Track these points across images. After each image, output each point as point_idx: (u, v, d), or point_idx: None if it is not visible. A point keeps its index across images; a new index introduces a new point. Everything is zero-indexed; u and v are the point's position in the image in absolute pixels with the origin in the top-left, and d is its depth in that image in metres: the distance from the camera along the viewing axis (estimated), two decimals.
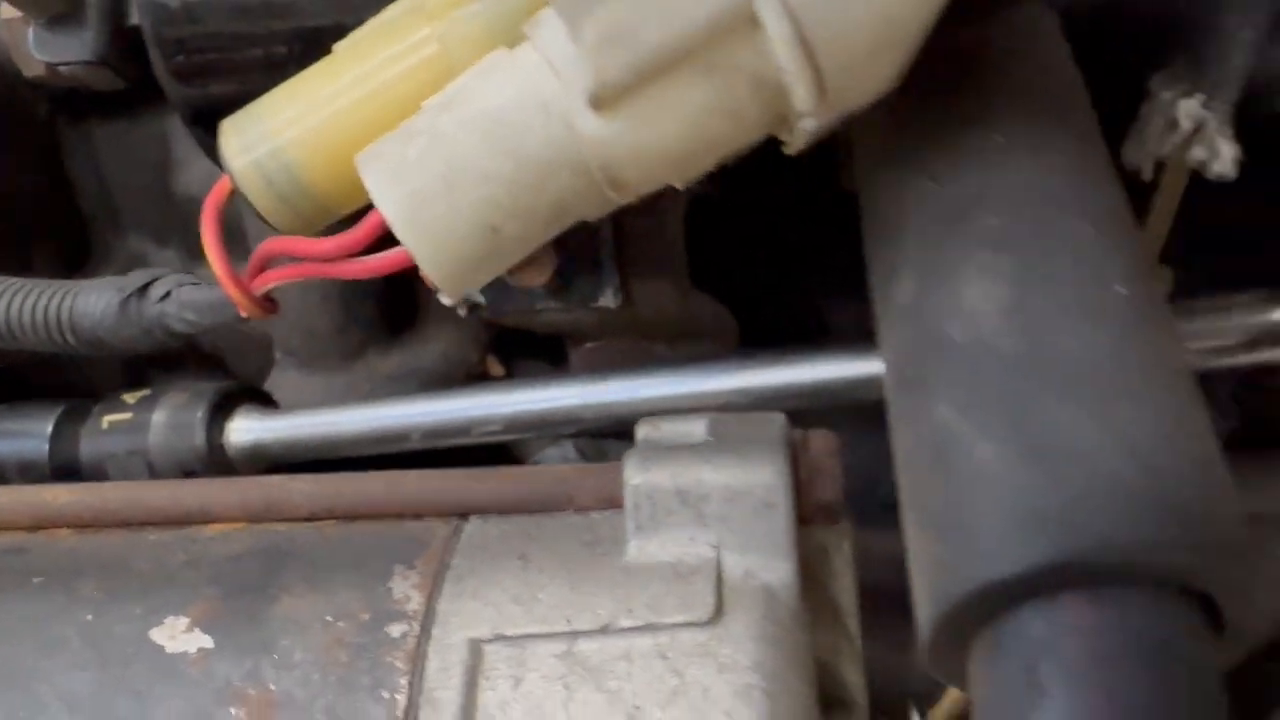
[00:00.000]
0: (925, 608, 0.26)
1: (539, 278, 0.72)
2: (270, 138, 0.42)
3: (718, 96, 0.27)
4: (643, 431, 0.47)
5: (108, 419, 0.67)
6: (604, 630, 0.40)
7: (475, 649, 0.40)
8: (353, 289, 0.77)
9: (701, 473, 0.42)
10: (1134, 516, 0.23)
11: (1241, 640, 0.25)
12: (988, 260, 0.28)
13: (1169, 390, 0.25)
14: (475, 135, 0.32)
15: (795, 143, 0.33)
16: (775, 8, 0.25)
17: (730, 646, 0.40)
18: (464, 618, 0.41)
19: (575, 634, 0.40)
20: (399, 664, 0.40)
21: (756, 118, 0.28)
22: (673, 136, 0.27)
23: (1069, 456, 0.24)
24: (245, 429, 0.65)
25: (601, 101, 0.27)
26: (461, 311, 0.74)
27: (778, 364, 0.57)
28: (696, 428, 0.46)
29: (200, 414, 0.65)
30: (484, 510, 0.46)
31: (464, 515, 0.47)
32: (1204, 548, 0.23)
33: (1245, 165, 0.51)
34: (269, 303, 0.45)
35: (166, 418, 0.65)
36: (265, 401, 0.72)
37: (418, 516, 0.47)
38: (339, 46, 0.44)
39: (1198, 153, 0.37)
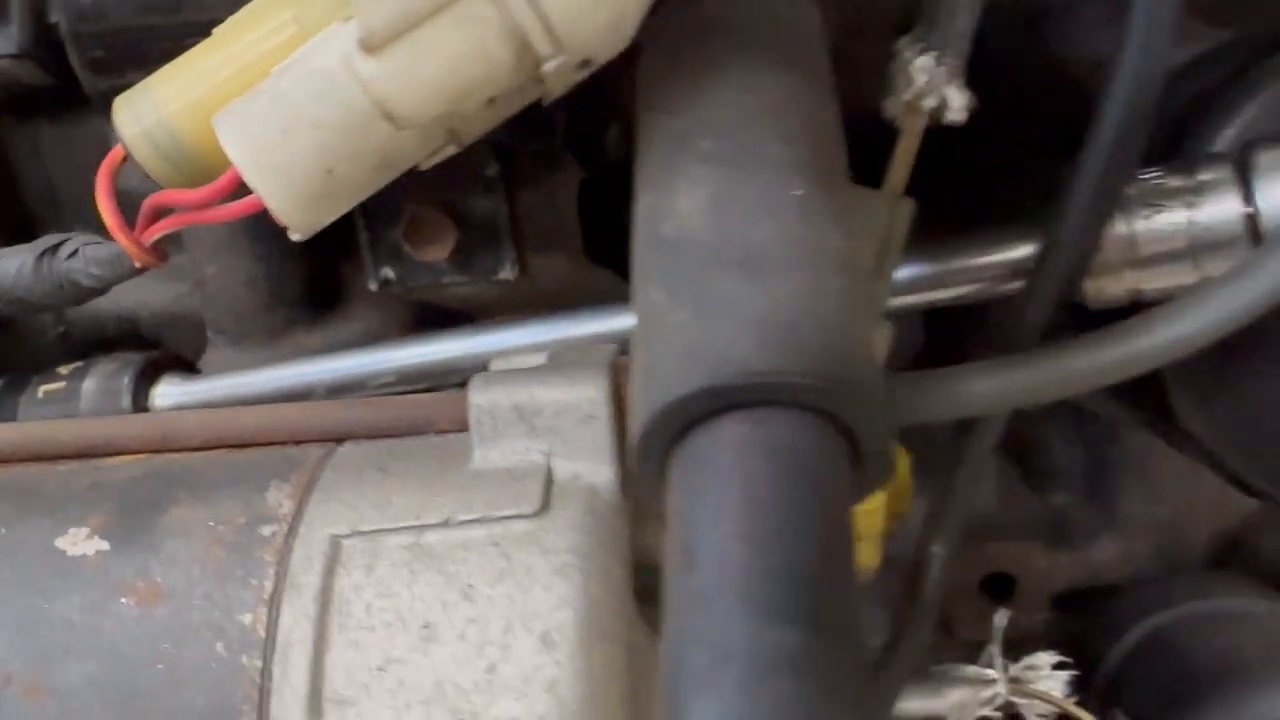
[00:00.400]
0: (631, 441, 0.32)
1: (440, 253, 0.79)
2: (157, 109, 0.49)
3: (469, 42, 0.33)
4: (495, 363, 0.54)
5: (43, 389, 0.73)
6: (446, 524, 0.47)
7: (335, 543, 0.46)
8: (277, 271, 0.83)
9: (534, 391, 0.49)
10: (771, 351, 0.29)
11: (877, 475, 0.32)
12: (696, 173, 0.34)
13: (819, 269, 0.31)
14: (304, 89, 0.39)
15: (552, 89, 0.40)
16: None
17: (553, 534, 0.46)
18: (327, 519, 0.47)
19: (422, 528, 0.47)
20: (268, 557, 0.46)
21: (509, 60, 0.34)
22: (433, 77, 0.34)
23: (729, 312, 0.30)
24: (167, 394, 0.72)
25: (369, 48, 0.33)
26: (372, 285, 0.80)
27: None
28: (539, 358, 0.52)
29: (127, 380, 0.71)
30: (356, 436, 0.53)
31: (340, 440, 0.53)
32: (830, 379, 0.29)
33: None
34: (159, 252, 0.51)
35: (96, 385, 0.71)
36: (192, 371, 0.78)
37: (299, 443, 0.53)
38: (217, 30, 0.51)
39: (930, 102, 0.44)
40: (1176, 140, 0.54)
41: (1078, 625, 0.87)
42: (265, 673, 0.44)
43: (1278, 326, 0.56)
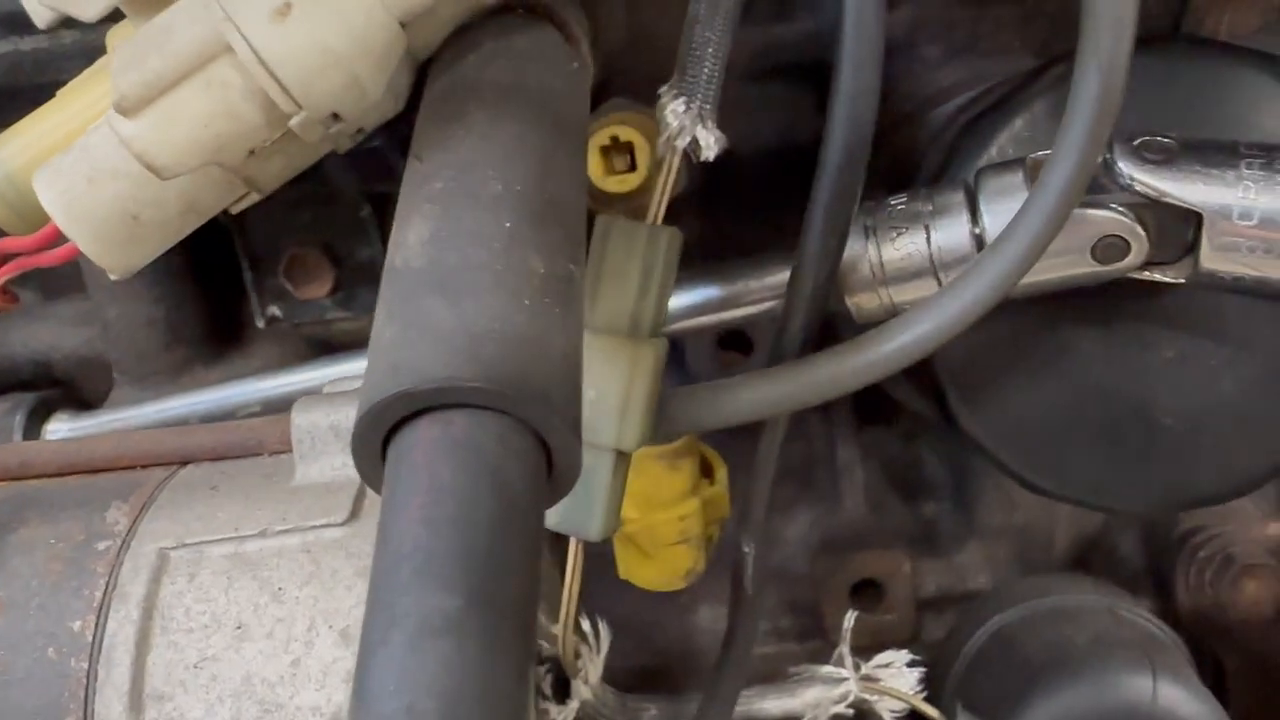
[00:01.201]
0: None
1: (320, 291, 0.84)
2: (3, 163, 0.54)
3: (217, 103, 0.38)
4: (327, 387, 0.58)
5: None
6: (263, 534, 0.51)
7: (162, 555, 0.51)
8: (175, 312, 0.88)
9: (349, 411, 0.53)
10: (455, 361, 0.33)
11: (566, 484, 0.36)
12: (425, 210, 0.39)
13: (514, 290, 0.36)
14: (103, 144, 0.44)
15: (331, 142, 0.46)
16: (239, 38, 0.37)
17: (359, 540, 0.51)
18: (156, 533, 0.52)
19: (242, 538, 0.51)
20: (100, 569, 0.51)
21: (257, 116, 0.39)
22: (185, 134, 0.38)
23: (425, 329, 0.35)
24: (58, 430, 0.76)
25: (123, 111, 0.38)
26: (259, 323, 0.85)
27: None
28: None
29: (19, 418, 0.76)
30: (198, 459, 0.57)
31: (184, 463, 0.57)
32: (507, 384, 0.34)
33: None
34: (8, 295, 0.56)
35: None
36: (89, 409, 0.83)
37: (146, 467, 0.57)
38: (61, 91, 0.56)
39: (682, 142, 0.49)
40: (946, 167, 0.60)
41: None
42: (91, 673, 0.48)
43: (1039, 336, 0.61)
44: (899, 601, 0.89)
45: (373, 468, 0.36)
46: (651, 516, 0.63)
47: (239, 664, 0.48)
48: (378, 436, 0.35)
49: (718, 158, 0.51)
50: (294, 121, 0.39)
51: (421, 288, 0.37)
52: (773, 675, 0.78)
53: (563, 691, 0.62)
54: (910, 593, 0.89)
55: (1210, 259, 0.50)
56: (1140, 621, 0.78)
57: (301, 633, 0.49)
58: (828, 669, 0.78)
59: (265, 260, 0.82)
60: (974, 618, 0.83)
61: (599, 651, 0.62)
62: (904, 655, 0.77)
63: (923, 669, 0.77)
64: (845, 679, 0.77)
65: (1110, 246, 0.51)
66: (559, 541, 0.70)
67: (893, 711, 0.78)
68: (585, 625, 0.63)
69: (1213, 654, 0.86)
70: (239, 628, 0.49)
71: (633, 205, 0.73)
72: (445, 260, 0.37)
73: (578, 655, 0.61)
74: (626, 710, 0.67)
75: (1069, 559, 0.92)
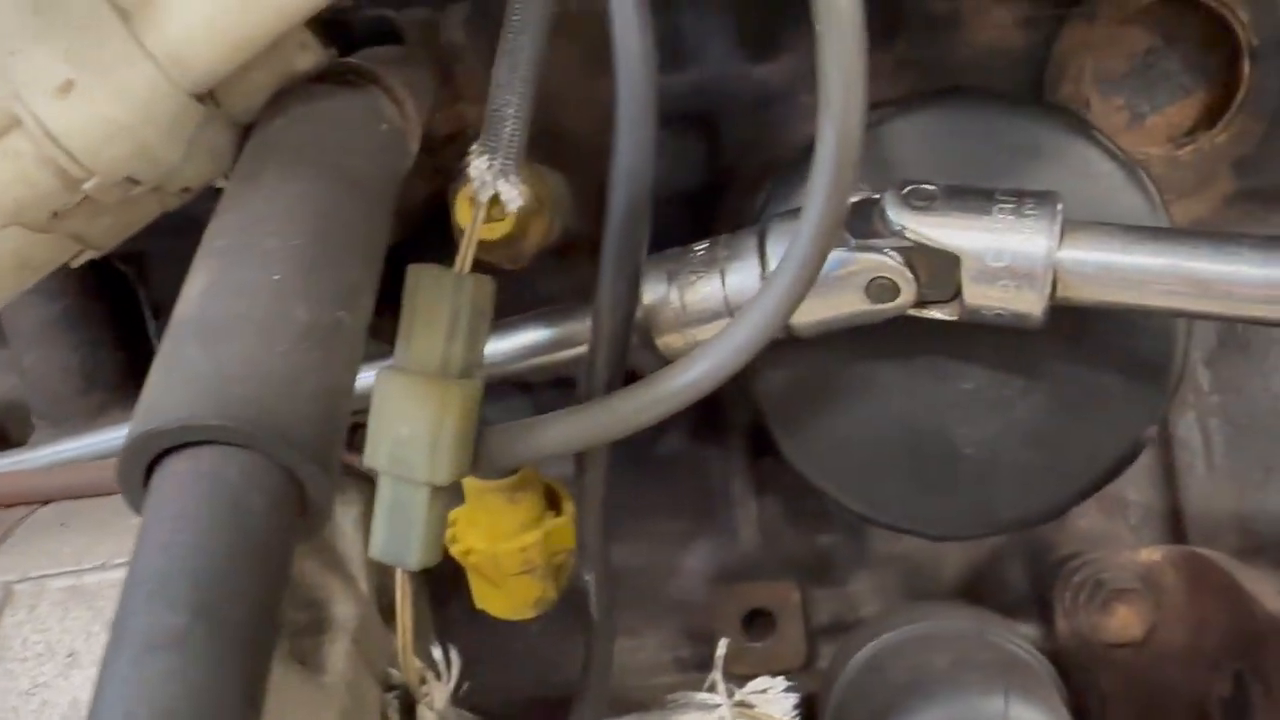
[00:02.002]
0: None
1: None
2: None
3: (12, 170, 0.42)
4: None
5: None
6: (102, 567, 0.54)
7: (7, 588, 0.54)
8: (91, 358, 0.92)
9: None
10: (202, 402, 0.37)
11: (320, 513, 0.40)
12: (205, 264, 0.42)
13: (271, 338, 0.39)
14: None
15: (166, 204, 0.49)
16: (26, 113, 0.41)
17: None
18: (5, 568, 0.55)
19: (81, 571, 0.54)
20: None
21: (53, 181, 0.43)
22: None
23: (181, 374, 0.38)
24: None
25: None
26: None
27: None
28: None
29: None
30: (57, 498, 0.61)
31: (46, 502, 0.61)
32: (251, 423, 0.37)
33: None
34: None
35: None
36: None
37: (10, 506, 0.61)
38: None
39: (483, 196, 0.52)
40: (761, 213, 0.63)
41: None
42: None
43: (848, 370, 0.65)
44: (790, 630, 0.91)
45: (135, 500, 0.39)
46: (495, 547, 0.66)
47: (67, 689, 0.51)
48: (137, 471, 0.39)
49: None
50: (87, 186, 0.43)
51: (187, 336, 0.40)
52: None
53: (410, 717, 0.64)
54: (801, 621, 0.91)
55: (972, 296, 0.54)
56: (1007, 646, 0.80)
57: None
58: (702, 695, 0.81)
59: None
60: (850, 645, 0.85)
61: (449, 679, 0.65)
62: (779, 682, 0.79)
63: (797, 695, 0.79)
64: (719, 705, 0.79)
65: (881, 287, 0.55)
66: (427, 577, 0.73)
67: None
68: (437, 653, 0.66)
69: (1093, 676, 0.89)
70: (70, 655, 0.52)
71: (512, 251, 0.77)
72: (212, 311, 0.41)
73: (424, 682, 0.64)
74: None
75: (959, 586, 0.94)
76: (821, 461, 0.66)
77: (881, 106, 0.63)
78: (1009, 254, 0.52)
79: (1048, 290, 0.53)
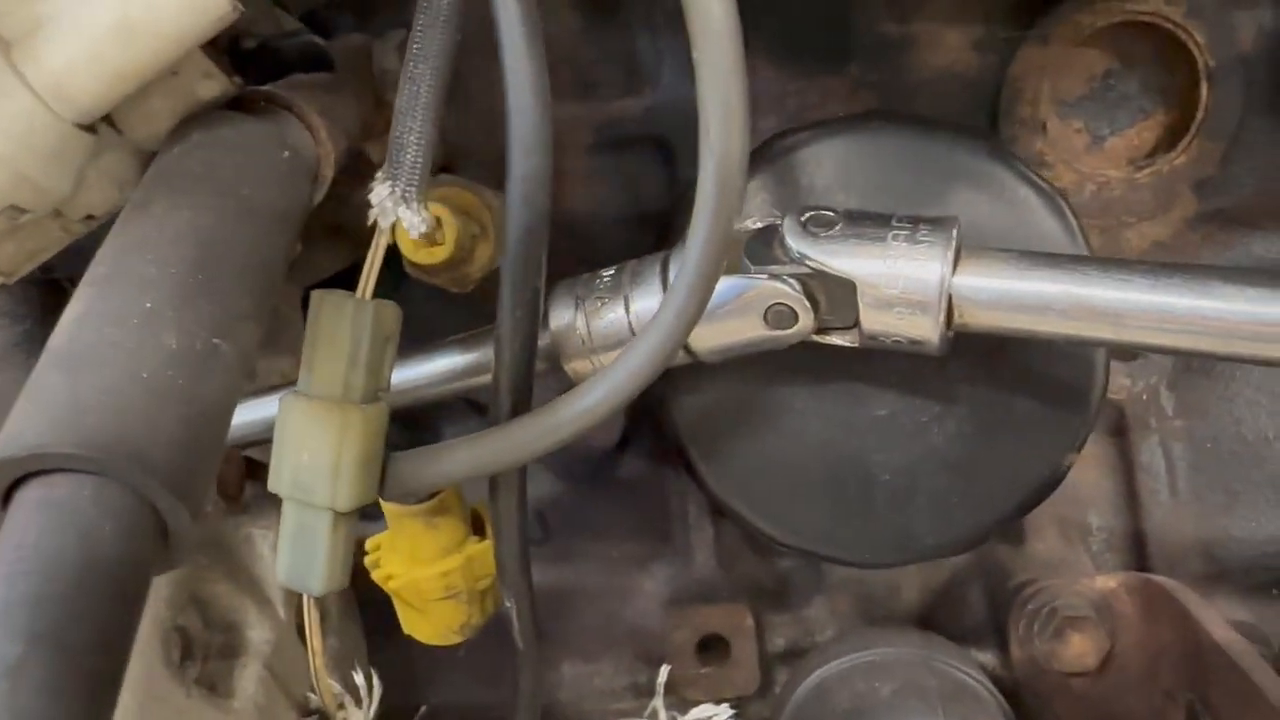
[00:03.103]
0: None
1: None
2: None
3: None
4: None
5: None
6: None
7: None
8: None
9: None
10: (55, 430, 0.37)
11: (182, 540, 0.40)
12: (82, 293, 0.43)
13: (134, 366, 0.40)
14: None
15: (70, 230, 0.50)
16: None
17: None
18: None
19: None
20: None
21: None
22: None
23: (40, 402, 0.39)
24: None
25: None
26: None
27: None
28: None
29: None
30: None
31: None
32: (102, 449, 0.37)
33: None
34: None
35: None
36: None
37: None
38: None
39: (384, 222, 0.53)
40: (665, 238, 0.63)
41: None
42: None
43: (762, 396, 0.65)
44: (743, 655, 0.91)
45: None
46: (415, 573, 0.66)
47: None
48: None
49: (576, 224, 0.54)
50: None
51: (53, 365, 0.41)
52: None
53: None
54: (754, 647, 0.91)
55: (869, 322, 0.54)
56: (954, 673, 0.80)
57: None
58: None
59: None
60: (799, 672, 0.85)
61: (369, 703, 0.65)
62: (724, 709, 0.79)
63: None
64: None
65: (780, 314, 0.55)
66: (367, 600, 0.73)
67: None
68: (359, 679, 0.67)
69: (1049, 705, 0.88)
70: None
71: (457, 275, 0.77)
72: (81, 339, 0.41)
73: (342, 706, 0.64)
74: None
75: (917, 611, 0.94)
76: (738, 487, 0.65)
77: (798, 131, 0.63)
78: (902, 280, 0.52)
79: (943, 317, 0.52)
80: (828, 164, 0.61)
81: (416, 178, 0.53)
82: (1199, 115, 0.86)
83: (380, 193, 0.53)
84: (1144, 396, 0.92)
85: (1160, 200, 0.89)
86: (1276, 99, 0.87)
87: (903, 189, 0.61)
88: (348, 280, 0.62)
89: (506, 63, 0.50)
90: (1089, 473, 0.93)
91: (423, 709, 0.99)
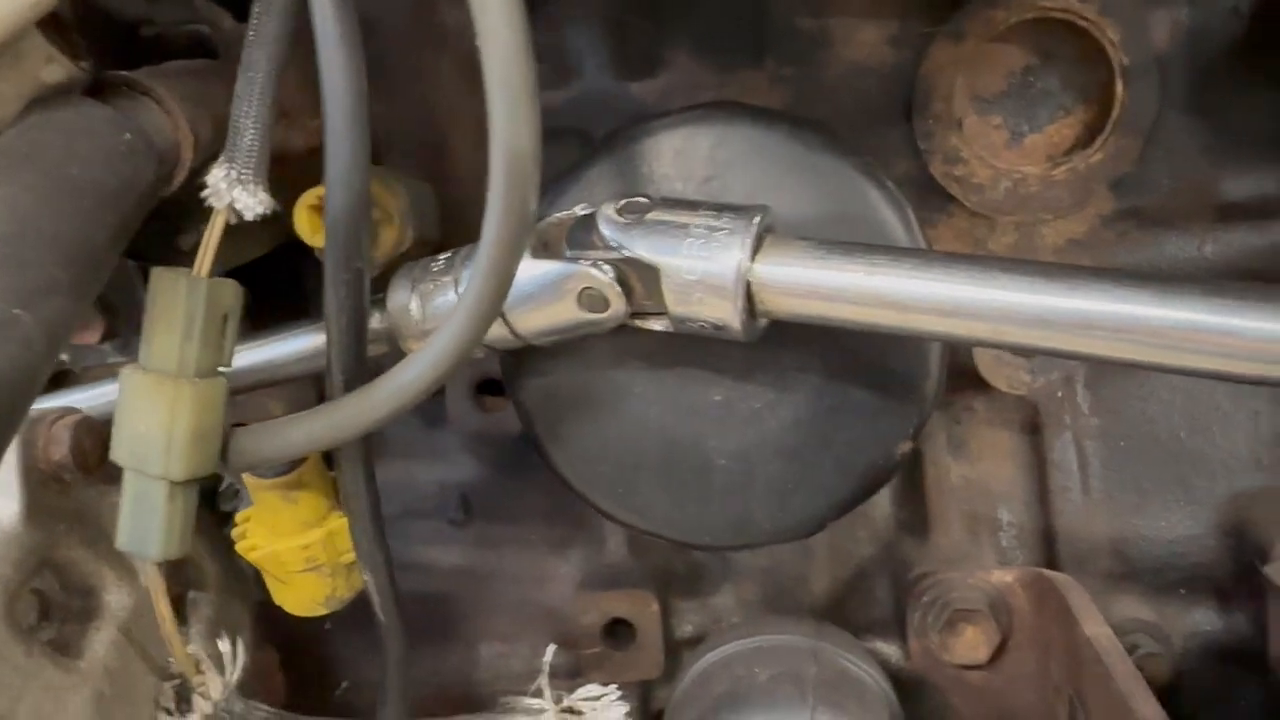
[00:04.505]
0: None
1: (91, 337, 0.91)
2: None
3: None
4: None
5: None
6: None
7: None
8: None
9: None
10: None
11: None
12: None
13: None
14: None
15: None
16: None
17: None
18: None
19: None
20: None
21: None
22: None
23: None
24: None
25: None
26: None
27: None
28: None
29: None
30: None
31: None
32: None
33: None
34: None
35: None
36: None
37: None
38: None
39: (218, 203, 0.54)
40: None
41: None
42: None
43: (603, 381, 0.66)
44: (649, 640, 0.92)
45: None
46: (276, 545, 0.68)
47: None
48: None
49: None
50: None
51: None
52: None
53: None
54: (660, 632, 0.92)
55: (674, 306, 0.55)
56: (838, 662, 0.80)
57: None
58: (529, 700, 0.82)
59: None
60: (693, 657, 0.86)
61: (232, 670, 0.67)
62: (611, 690, 0.80)
63: (626, 707, 0.80)
64: (545, 711, 0.80)
65: (593, 298, 0.56)
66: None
67: None
68: (222, 646, 0.68)
69: (945, 696, 0.88)
70: None
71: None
72: None
73: (201, 672, 0.66)
74: None
75: (825, 602, 0.94)
76: (582, 469, 0.66)
77: (643, 122, 0.64)
78: (701, 267, 0.53)
79: (741, 303, 0.53)
80: (667, 154, 0.62)
81: (253, 161, 0.55)
82: (1115, 113, 0.86)
83: (216, 175, 0.55)
84: (1059, 394, 0.92)
85: (1076, 197, 0.89)
86: (1193, 97, 0.87)
87: (739, 179, 0.61)
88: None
89: (320, 45, 0.52)
90: (1001, 468, 0.93)
91: (344, 684, 1.02)
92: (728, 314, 0.54)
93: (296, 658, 0.95)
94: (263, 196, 0.55)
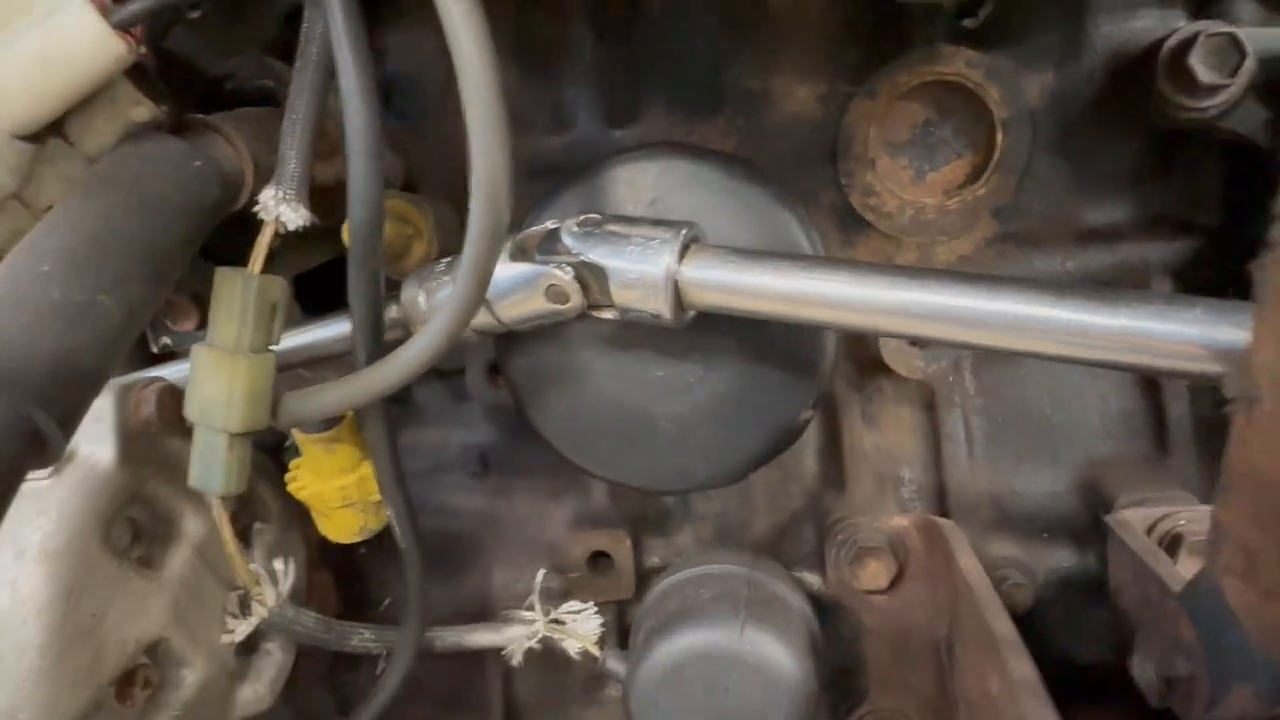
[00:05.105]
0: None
1: (189, 325, 0.91)
2: None
3: None
4: None
5: None
6: None
7: None
8: None
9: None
10: None
11: (55, 443, 0.41)
12: (7, 260, 0.46)
13: (21, 313, 0.42)
14: None
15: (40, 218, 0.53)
16: None
17: (52, 489, 0.57)
18: None
19: None
20: None
21: None
22: None
23: None
24: None
25: None
26: (154, 349, 0.93)
27: None
28: None
29: None
30: None
31: None
32: None
33: None
34: None
35: None
36: None
37: None
38: None
39: (266, 217, 0.55)
40: None
41: None
42: None
43: (575, 358, 0.66)
44: (623, 568, 0.92)
45: None
46: (319, 486, 0.68)
47: None
48: None
49: None
50: None
51: None
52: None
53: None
54: (631, 562, 0.92)
55: (619, 300, 0.55)
56: (769, 586, 0.80)
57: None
58: (525, 613, 0.82)
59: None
60: (656, 581, 0.86)
61: (284, 583, 0.68)
62: (590, 606, 0.80)
63: (601, 619, 0.79)
64: (535, 621, 0.81)
65: (557, 292, 0.56)
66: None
67: (576, 649, 0.81)
68: (278, 565, 0.69)
69: (856, 616, 0.88)
70: None
71: (396, 267, 0.78)
72: (12, 292, 0.44)
73: (259, 584, 0.66)
74: (334, 630, 0.72)
75: (765, 540, 0.94)
76: (559, 430, 0.67)
77: (607, 158, 0.65)
78: (639, 269, 0.53)
79: (670, 297, 0.53)
80: (621, 183, 0.62)
81: (295, 184, 0.55)
82: (996, 156, 0.86)
83: (266, 195, 0.55)
84: (950, 379, 0.92)
85: (966, 222, 0.89)
86: (1059, 143, 0.87)
87: (678, 202, 0.61)
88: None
89: (341, 82, 0.52)
90: (904, 437, 0.93)
91: (386, 600, 1.02)
92: (660, 306, 0.54)
93: (349, 580, 0.95)
94: (303, 212, 0.56)
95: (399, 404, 0.98)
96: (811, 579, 0.93)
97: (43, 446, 0.42)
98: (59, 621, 0.54)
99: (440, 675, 0.97)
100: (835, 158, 0.89)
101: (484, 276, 0.49)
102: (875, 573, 0.84)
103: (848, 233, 0.91)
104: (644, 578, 0.94)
